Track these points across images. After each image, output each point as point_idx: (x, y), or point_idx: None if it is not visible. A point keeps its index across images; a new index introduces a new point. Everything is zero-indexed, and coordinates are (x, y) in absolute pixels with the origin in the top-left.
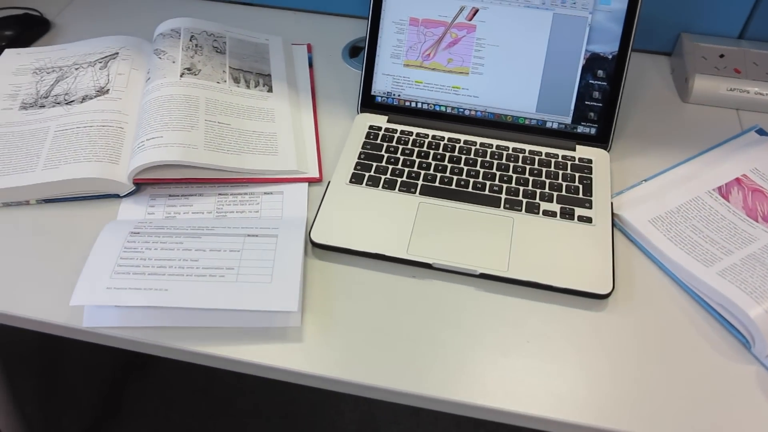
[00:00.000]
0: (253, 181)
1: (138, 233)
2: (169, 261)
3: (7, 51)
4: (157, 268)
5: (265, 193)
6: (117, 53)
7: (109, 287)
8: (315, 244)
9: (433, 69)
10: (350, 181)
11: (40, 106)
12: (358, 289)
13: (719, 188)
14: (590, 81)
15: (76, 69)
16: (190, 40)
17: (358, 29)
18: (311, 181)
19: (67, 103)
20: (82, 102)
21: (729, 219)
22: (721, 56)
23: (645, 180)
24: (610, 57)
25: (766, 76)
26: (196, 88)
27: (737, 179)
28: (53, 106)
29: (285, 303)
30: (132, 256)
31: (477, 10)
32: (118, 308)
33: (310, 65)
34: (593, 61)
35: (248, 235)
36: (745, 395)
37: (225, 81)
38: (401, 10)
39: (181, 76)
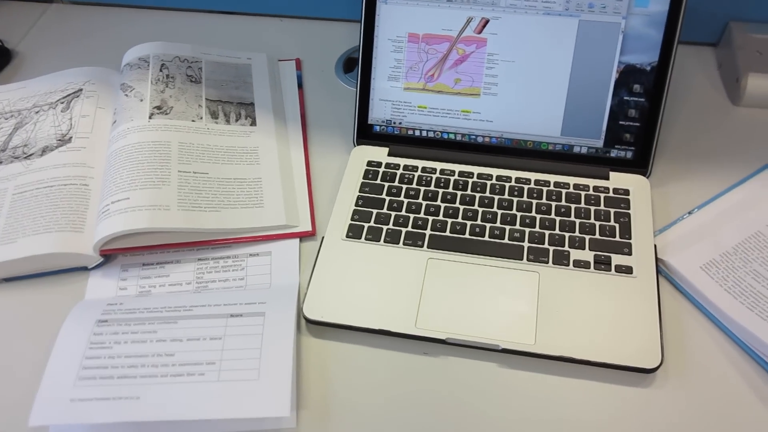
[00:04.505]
0: (236, 241)
1: (106, 321)
2: (142, 358)
3: None
4: (128, 368)
5: (251, 255)
6: (80, 90)
7: (74, 399)
8: (309, 320)
9: (439, 91)
10: (347, 236)
11: None
12: (360, 371)
13: None
14: (625, 97)
15: (36, 113)
16: (161, 70)
17: (354, 36)
18: (303, 236)
19: (26, 157)
20: (42, 155)
21: None
22: None
23: (692, 211)
24: (648, 68)
25: None
26: (168, 132)
27: None
28: (11, 162)
29: (276, 407)
30: (99, 354)
31: (487, 21)
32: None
33: (300, 86)
34: (628, 74)
35: (231, 315)
36: None
37: (201, 117)
38: (398, 26)
39: (150, 117)
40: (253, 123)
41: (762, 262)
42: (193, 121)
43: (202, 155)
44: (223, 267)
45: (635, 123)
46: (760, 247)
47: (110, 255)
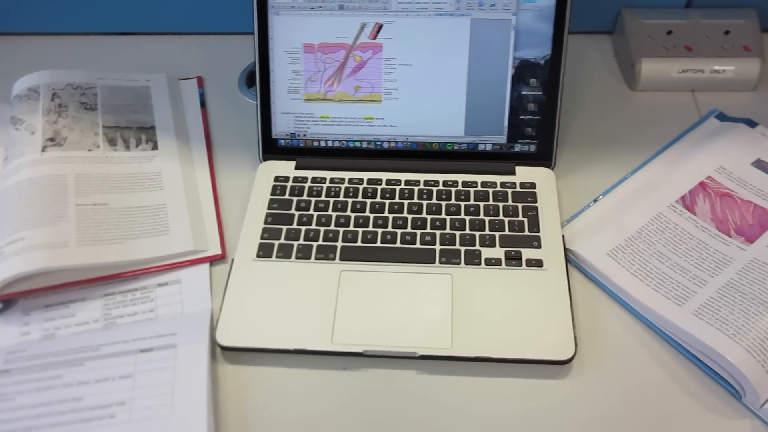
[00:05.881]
0: (143, 272)
1: (8, 371)
2: (47, 407)
3: None
4: (32, 419)
5: (160, 285)
6: None
7: None
8: (223, 347)
9: (340, 100)
10: (258, 256)
11: None
12: (280, 394)
13: (682, 198)
14: (523, 92)
15: None
16: (52, 100)
17: None
18: (213, 260)
19: None
20: None
21: (698, 238)
22: (669, 33)
23: (597, 198)
24: (542, 62)
25: (722, 51)
26: (63, 164)
27: (701, 184)
28: None
29: None
30: (1, 408)
31: (381, 26)
32: None
33: (203, 105)
34: (524, 69)
35: (141, 351)
36: None
37: (98, 146)
38: (292, 37)
39: (42, 150)
40: (155, 147)
41: (665, 243)
42: (89, 150)
43: (101, 185)
44: (131, 300)
45: (535, 116)
46: (662, 229)
47: (10, 300)
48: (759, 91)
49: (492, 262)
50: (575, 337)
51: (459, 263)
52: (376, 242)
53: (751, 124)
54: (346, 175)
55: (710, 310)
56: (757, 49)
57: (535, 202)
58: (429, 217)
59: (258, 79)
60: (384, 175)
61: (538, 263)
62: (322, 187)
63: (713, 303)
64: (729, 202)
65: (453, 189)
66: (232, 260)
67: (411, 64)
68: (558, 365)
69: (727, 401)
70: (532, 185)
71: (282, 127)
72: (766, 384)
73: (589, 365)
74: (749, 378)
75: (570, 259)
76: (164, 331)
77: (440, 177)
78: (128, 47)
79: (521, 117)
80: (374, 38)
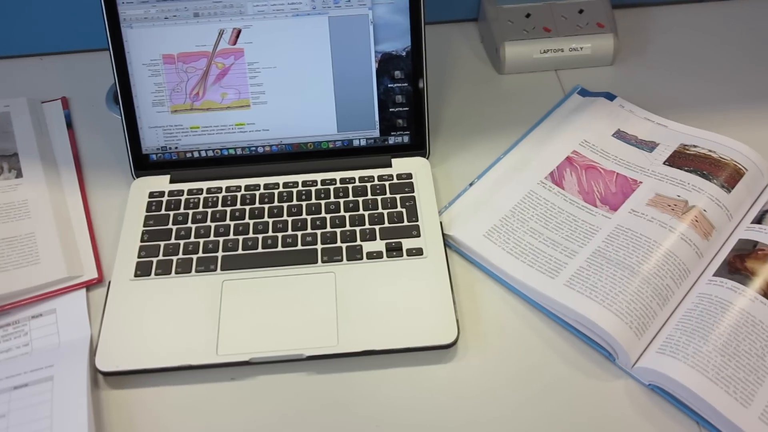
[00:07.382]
0: (14, 306)
1: None
2: None
3: None
4: None
5: (33, 317)
6: None
7: None
8: (104, 373)
9: (207, 109)
10: (136, 275)
11: None
12: (168, 414)
13: (551, 174)
14: (389, 85)
15: None
16: None
17: None
18: (90, 285)
19: None
20: None
21: (567, 211)
22: (528, 16)
23: (473, 182)
24: (404, 54)
25: (577, 29)
26: None
27: (568, 158)
28: None
29: None
30: None
31: (239, 31)
32: None
33: (69, 126)
34: (387, 62)
35: (15, 388)
36: (618, 412)
37: None
38: (149, 49)
39: None
40: (19, 175)
41: (537, 219)
42: None
43: None
44: (2, 337)
45: (405, 108)
46: (534, 205)
47: None
48: (616, 65)
49: (373, 255)
50: (457, 321)
51: (341, 260)
52: (257, 248)
53: (610, 97)
54: (223, 183)
55: (580, 280)
56: (610, 25)
57: (413, 192)
58: (309, 218)
59: (120, 95)
60: (262, 180)
61: (418, 252)
62: (199, 199)
63: (583, 272)
64: (594, 173)
65: (331, 187)
66: (109, 282)
67: (275, 67)
68: (442, 349)
69: (602, 365)
70: (409, 176)
71: (151, 141)
72: (635, 345)
73: (473, 346)
74: (619, 341)
75: (449, 244)
76: (40, 364)
77: (318, 176)
78: None
79: (391, 110)
80: (234, 44)
